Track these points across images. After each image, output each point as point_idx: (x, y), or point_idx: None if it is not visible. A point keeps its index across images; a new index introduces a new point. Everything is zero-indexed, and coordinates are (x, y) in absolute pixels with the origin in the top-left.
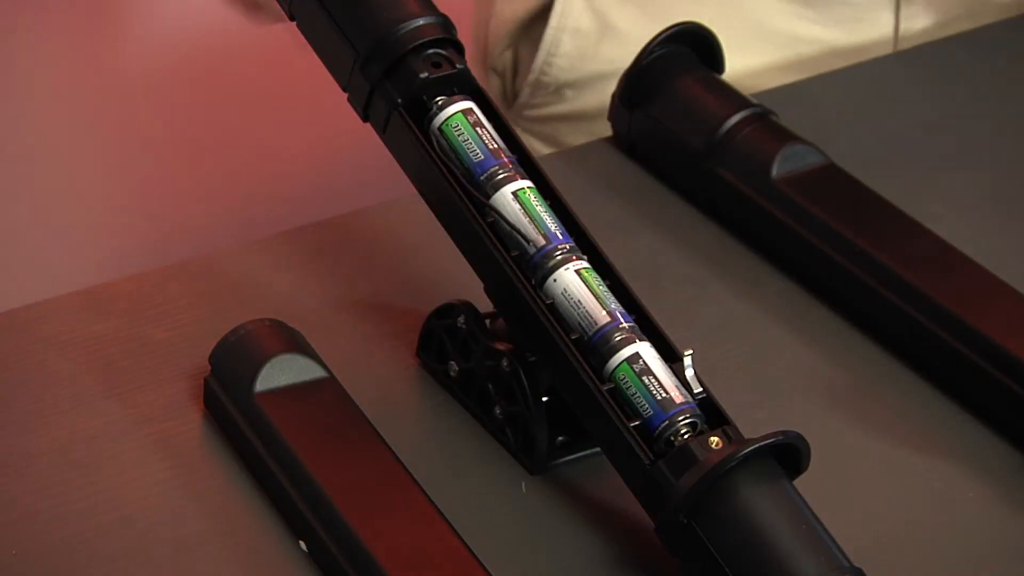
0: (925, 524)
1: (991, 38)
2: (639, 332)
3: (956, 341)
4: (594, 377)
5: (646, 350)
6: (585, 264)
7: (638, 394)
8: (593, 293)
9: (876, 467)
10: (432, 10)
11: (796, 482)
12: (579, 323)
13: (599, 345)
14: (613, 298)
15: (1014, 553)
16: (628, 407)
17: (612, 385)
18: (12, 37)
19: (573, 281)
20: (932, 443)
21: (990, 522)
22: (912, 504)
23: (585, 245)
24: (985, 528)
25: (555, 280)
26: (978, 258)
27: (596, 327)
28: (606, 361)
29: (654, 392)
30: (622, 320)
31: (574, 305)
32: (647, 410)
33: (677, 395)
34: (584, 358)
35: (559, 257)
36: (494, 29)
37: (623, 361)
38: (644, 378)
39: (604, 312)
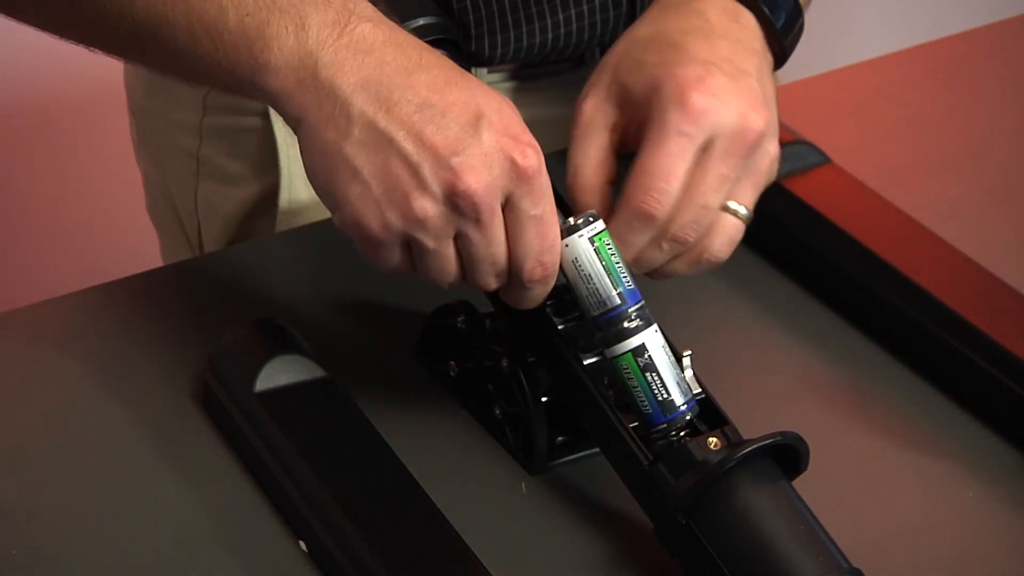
0: (925, 524)
1: (991, 38)
2: (647, 315)
3: (956, 341)
4: (593, 378)
5: (652, 339)
6: (601, 228)
7: (639, 388)
8: (606, 268)
9: (875, 467)
10: (431, 10)
11: (796, 482)
12: (588, 299)
13: (606, 327)
14: (627, 273)
15: (1014, 553)
16: (627, 397)
17: (611, 389)
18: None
19: (586, 250)
20: (932, 443)
21: (990, 522)
22: (912, 504)
23: None
24: (985, 528)
25: (567, 246)
26: (978, 258)
27: (605, 308)
28: (611, 344)
29: (656, 392)
30: (631, 303)
31: (584, 278)
32: (646, 407)
33: (679, 397)
34: (581, 360)
35: (573, 222)
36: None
37: (628, 351)
38: (647, 374)
39: (615, 293)
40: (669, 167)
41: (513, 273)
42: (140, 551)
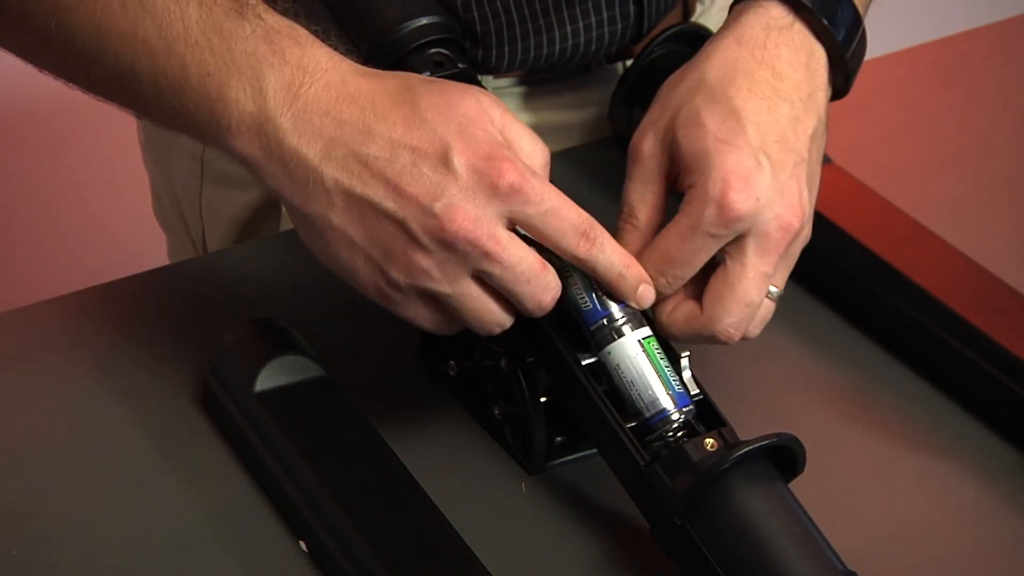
0: (925, 524)
1: (991, 38)
2: (639, 319)
3: (956, 341)
4: (591, 378)
5: (631, 345)
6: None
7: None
8: (656, 370)
9: (875, 467)
10: (434, 9)
11: (795, 482)
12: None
13: (595, 331)
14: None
15: (1014, 553)
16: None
17: (607, 386)
18: None
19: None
20: (932, 443)
21: (990, 522)
22: (912, 504)
23: None
24: (985, 528)
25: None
26: (978, 258)
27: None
28: (604, 345)
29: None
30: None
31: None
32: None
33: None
34: (580, 361)
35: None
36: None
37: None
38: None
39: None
40: (688, 259)
41: (570, 259)
42: (140, 551)
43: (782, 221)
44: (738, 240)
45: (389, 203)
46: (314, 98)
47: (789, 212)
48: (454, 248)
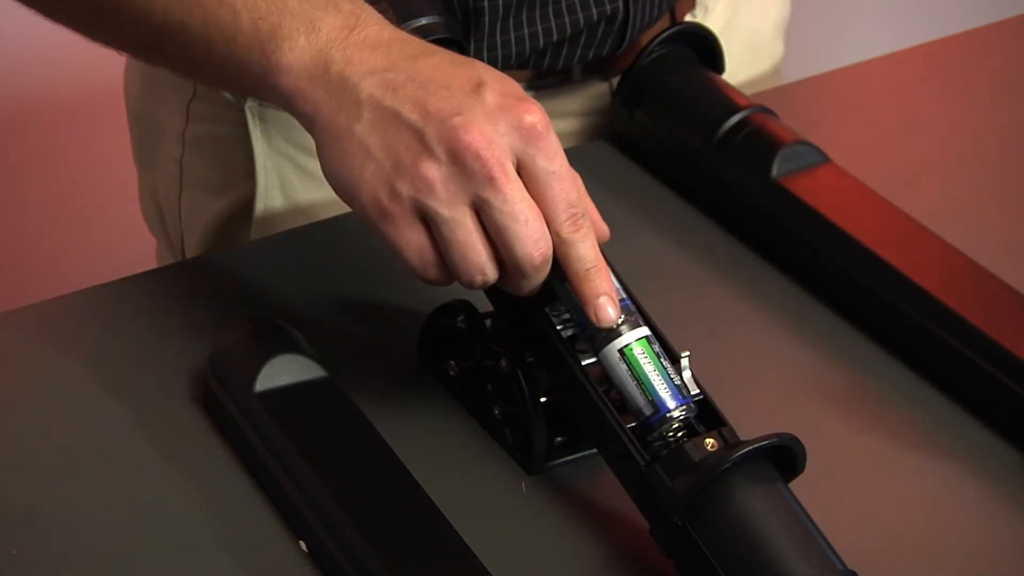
0: (925, 524)
1: (990, 38)
2: (638, 318)
3: (956, 341)
4: (591, 378)
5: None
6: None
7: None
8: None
9: (875, 467)
10: (435, 9)
11: (795, 482)
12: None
13: (595, 330)
14: (619, 285)
15: (1014, 553)
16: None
17: (607, 386)
18: None
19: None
20: (932, 443)
21: (990, 522)
22: (912, 504)
23: None
24: (985, 528)
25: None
26: (978, 258)
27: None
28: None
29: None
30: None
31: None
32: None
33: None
34: (580, 361)
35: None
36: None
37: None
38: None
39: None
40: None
41: (554, 233)
42: (140, 551)
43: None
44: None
45: (413, 115)
46: (366, 37)
47: None
48: (463, 162)
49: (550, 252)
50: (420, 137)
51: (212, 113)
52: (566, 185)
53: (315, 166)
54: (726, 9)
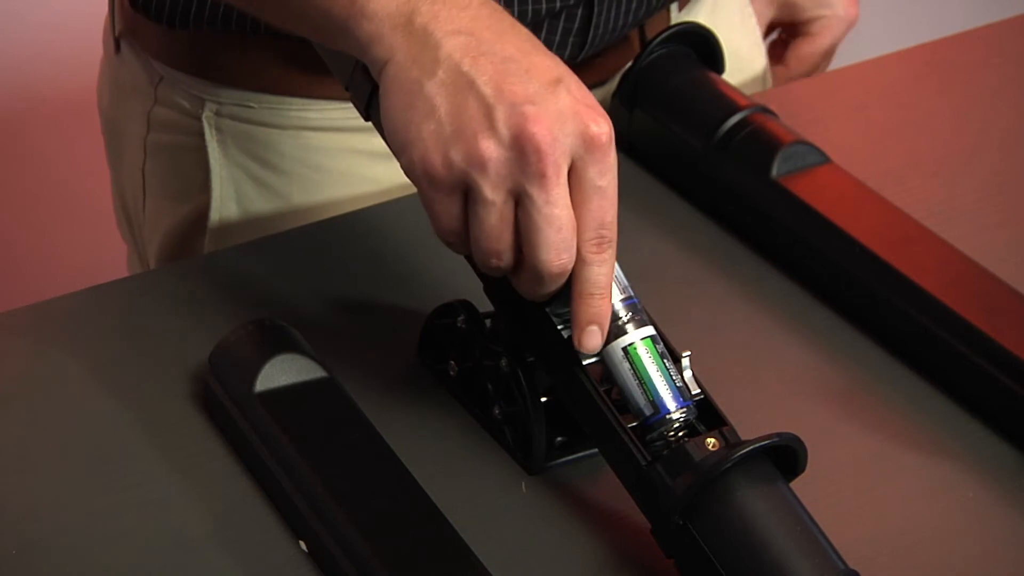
0: (925, 523)
1: (990, 38)
2: (645, 318)
3: (956, 341)
4: (592, 378)
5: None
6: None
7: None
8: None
9: (875, 467)
10: None
11: (795, 482)
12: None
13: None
14: (627, 283)
15: (1014, 553)
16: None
17: (608, 386)
18: None
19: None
20: (932, 443)
21: (990, 522)
22: (911, 504)
23: None
24: (985, 528)
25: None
26: (978, 258)
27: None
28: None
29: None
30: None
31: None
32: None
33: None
34: (580, 360)
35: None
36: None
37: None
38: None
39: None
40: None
41: (577, 247)
42: (140, 551)
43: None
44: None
45: (488, 89)
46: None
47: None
48: (522, 151)
49: (570, 266)
50: (488, 113)
51: (171, 121)
52: (605, 205)
53: (272, 178)
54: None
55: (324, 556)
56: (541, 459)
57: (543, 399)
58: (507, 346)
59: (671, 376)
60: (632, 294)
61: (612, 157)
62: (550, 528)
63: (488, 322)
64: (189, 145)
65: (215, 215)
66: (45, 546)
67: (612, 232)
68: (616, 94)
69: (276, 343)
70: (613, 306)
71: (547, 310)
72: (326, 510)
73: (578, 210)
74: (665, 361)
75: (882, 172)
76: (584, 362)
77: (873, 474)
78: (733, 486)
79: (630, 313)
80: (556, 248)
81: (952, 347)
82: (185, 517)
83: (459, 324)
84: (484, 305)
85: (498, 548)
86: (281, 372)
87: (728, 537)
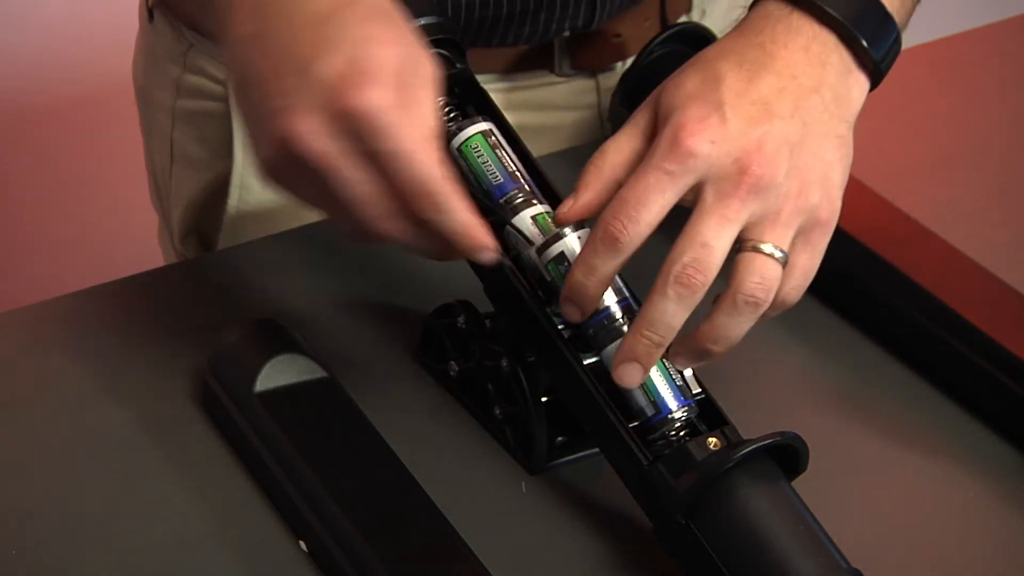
0: (925, 524)
1: (990, 38)
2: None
3: (956, 341)
4: (593, 378)
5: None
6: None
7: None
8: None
9: (876, 467)
10: (432, 10)
11: (796, 482)
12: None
13: (596, 330)
14: (621, 285)
15: (1014, 553)
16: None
17: (609, 386)
18: None
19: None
20: (932, 443)
21: (990, 522)
22: (912, 504)
23: None
24: (985, 528)
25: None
26: (978, 258)
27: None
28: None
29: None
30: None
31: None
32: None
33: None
34: (581, 360)
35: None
36: (176, 217)
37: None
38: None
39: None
40: (641, 197)
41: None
42: (140, 551)
43: (741, 165)
44: (697, 187)
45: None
46: None
47: (752, 159)
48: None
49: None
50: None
51: (199, 88)
52: (410, 163)
53: None
54: (726, 14)
55: (324, 556)
56: (542, 459)
57: (544, 399)
58: (507, 346)
59: (671, 375)
60: (628, 295)
61: (388, 122)
62: (550, 528)
63: (488, 322)
64: (215, 111)
65: (236, 180)
66: (45, 547)
67: (436, 186)
68: (616, 94)
69: (276, 343)
70: (610, 308)
71: (547, 310)
72: (326, 510)
73: (390, 182)
74: (664, 361)
75: (882, 172)
76: (585, 362)
77: (873, 473)
78: (735, 485)
79: (625, 315)
80: (381, 220)
81: (952, 347)
82: (185, 517)
83: (459, 324)
84: (484, 305)
85: (498, 548)
86: (281, 372)
87: (731, 536)
